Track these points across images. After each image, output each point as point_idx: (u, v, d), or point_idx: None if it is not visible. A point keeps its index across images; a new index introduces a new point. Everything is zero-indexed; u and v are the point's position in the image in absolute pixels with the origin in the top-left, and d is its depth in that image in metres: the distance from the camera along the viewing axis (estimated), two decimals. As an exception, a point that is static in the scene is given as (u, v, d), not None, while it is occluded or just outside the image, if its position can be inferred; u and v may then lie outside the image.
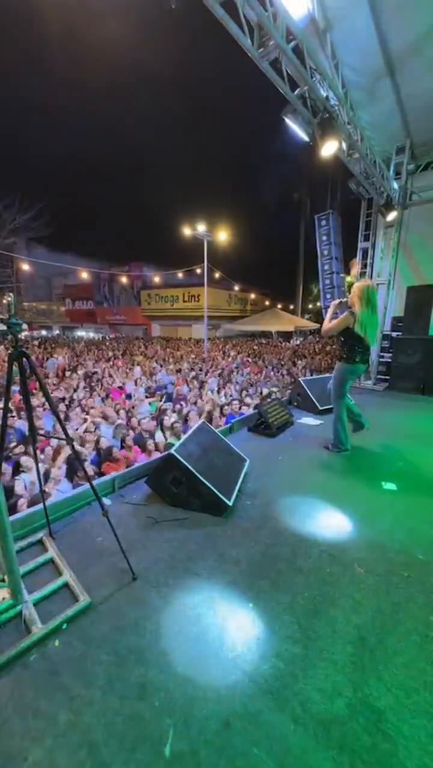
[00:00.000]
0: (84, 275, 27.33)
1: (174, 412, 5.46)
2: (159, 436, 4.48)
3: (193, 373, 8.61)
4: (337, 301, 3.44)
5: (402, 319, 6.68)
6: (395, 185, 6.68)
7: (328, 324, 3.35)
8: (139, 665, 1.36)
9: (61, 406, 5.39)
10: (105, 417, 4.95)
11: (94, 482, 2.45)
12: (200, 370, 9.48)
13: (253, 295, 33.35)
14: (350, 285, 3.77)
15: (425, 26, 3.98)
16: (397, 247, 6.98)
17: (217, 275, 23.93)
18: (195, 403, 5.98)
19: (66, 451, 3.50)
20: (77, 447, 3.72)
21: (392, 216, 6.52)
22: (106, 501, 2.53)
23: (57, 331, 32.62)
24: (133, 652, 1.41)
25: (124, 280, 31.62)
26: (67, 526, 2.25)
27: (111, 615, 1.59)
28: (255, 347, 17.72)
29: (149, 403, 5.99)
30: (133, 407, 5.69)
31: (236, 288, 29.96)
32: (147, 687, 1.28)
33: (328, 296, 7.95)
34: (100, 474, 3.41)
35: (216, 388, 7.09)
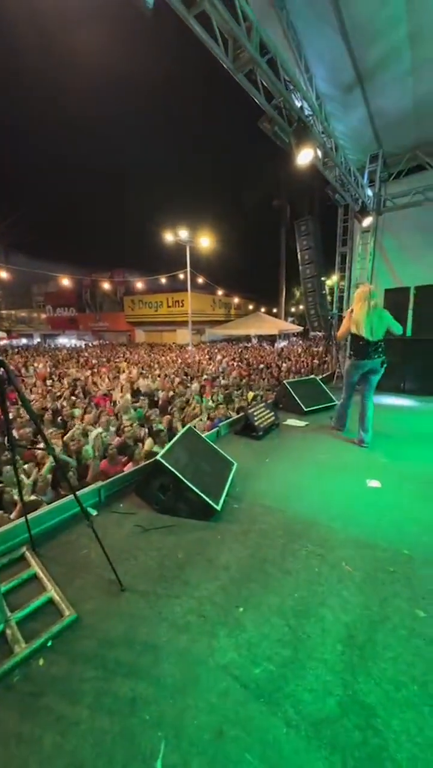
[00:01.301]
0: (65, 282, 26.92)
1: (158, 417, 5.42)
2: (149, 443, 4.42)
3: (178, 379, 8.57)
4: (349, 310, 3.79)
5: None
6: (370, 192, 6.93)
7: (340, 330, 3.95)
8: (129, 679, 1.33)
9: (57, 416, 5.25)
10: (94, 424, 4.87)
11: (80, 492, 2.39)
12: (185, 375, 9.45)
13: (236, 300, 33.65)
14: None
15: (389, 45, 4.19)
16: (373, 251, 7.22)
17: (200, 280, 24.05)
18: (182, 408, 5.95)
19: (49, 461, 3.40)
20: (62, 456, 3.64)
21: (367, 222, 6.75)
22: (92, 511, 2.47)
23: (38, 339, 31.82)
24: (122, 666, 1.38)
25: (106, 286, 31.32)
26: (51, 539, 2.18)
27: (98, 629, 1.55)
28: (240, 350, 17.86)
29: (135, 410, 5.92)
30: (118, 414, 5.60)
31: (220, 292, 30.17)
32: (137, 701, 1.25)
33: (310, 299, 8.12)
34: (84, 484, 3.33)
35: (203, 393, 7.08)
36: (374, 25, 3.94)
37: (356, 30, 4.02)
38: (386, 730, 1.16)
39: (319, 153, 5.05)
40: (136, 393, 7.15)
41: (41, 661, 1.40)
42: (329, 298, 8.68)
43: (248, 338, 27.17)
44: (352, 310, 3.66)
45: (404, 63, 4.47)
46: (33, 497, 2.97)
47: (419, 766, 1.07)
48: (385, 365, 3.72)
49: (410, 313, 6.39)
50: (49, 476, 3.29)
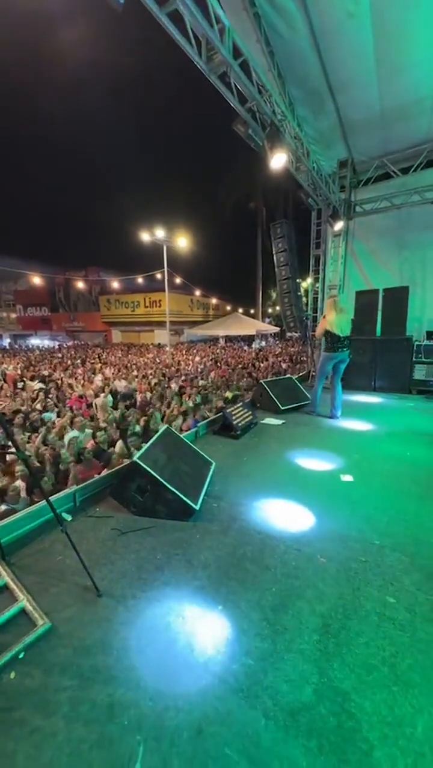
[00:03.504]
0: (37, 280, 25.84)
1: (139, 419, 5.34)
2: (119, 445, 4.33)
3: (156, 380, 8.48)
4: (323, 315, 4.77)
5: (354, 322, 7.13)
6: (341, 197, 7.18)
7: (317, 331, 4.90)
8: (107, 685, 1.30)
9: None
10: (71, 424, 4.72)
11: (54, 497, 2.31)
12: (163, 376, 9.36)
13: (214, 300, 33.75)
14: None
15: (358, 54, 4.37)
16: (345, 254, 7.48)
17: (178, 280, 23.91)
18: (160, 409, 5.89)
19: (20, 466, 3.26)
20: (35, 461, 3.49)
21: (338, 226, 6.99)
22: (66, 516, 2.40)
23: (8, 340, 30.34)
24: (100, 672, 1.35)
25: (81, 285, 30.39)
26: (23, 547, 2.10)
27: (74, 636, 1.51)
28: (218, 351, 17.93)
29: (116, 409, 5.80)
30: (92, 417, 5.46)
31: (197, 293, 30.12)
32: (115, 707, 1.23)
33: (286, 300, 8.30)
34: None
35: (181, 393, 7.04)
36: (342, 34, 4.09)
37: (324, 37, 4.16)
38: (360, 713, 1.22)
39: (292, 157, 5.17)
40: (114, 395, 7.01)
41: (13, 674, 1.34)
42: (304, 299, 8.91)
43: (216, 339, 27.28)
44: (325, 316, 4.67)
45: (372, 74, 4.69)
46: (3, 506, 2.84)
47: (390, 744, 1.13)
48: (350, 356, 4.74)
49: (379, 314, 6.67)
50: (19, 483, 3.16)
